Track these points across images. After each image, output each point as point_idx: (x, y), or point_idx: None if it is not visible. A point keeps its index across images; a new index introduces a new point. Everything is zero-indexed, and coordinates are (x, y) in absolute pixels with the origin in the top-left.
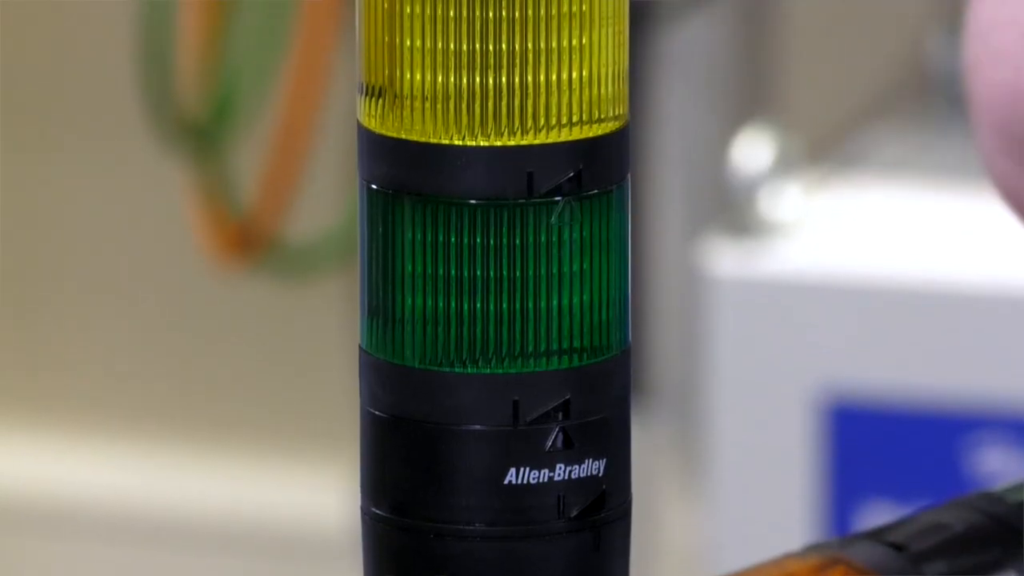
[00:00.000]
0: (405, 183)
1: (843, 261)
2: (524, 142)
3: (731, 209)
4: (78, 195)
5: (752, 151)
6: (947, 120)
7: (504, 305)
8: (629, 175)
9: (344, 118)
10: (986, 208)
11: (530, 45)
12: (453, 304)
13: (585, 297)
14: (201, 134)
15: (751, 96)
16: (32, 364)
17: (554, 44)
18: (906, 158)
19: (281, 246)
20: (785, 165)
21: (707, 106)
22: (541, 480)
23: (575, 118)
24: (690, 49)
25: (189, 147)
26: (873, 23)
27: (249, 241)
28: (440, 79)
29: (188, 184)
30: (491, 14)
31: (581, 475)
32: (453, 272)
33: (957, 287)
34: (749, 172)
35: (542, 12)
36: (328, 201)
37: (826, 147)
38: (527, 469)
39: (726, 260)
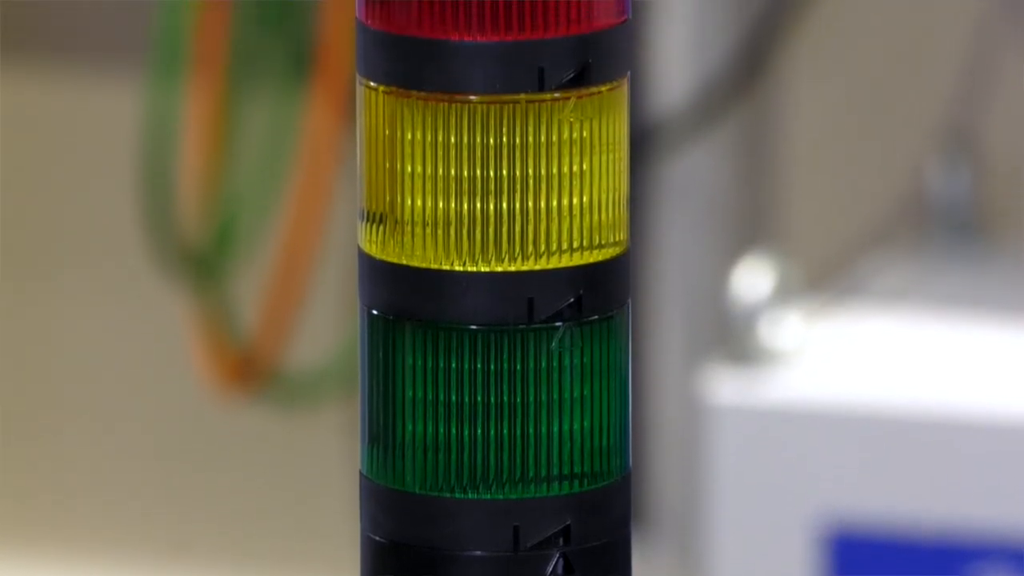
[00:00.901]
0: (406, 308)
1: (844, 390)
2: (525, 268)
3: (731, 337)
4: (77, 321)
5: (752, 279)
6: (947, 249)
7: (504, 431)
8: (629, 301)
9: (345, 244)
10: (987, 337)
11: (531, 171)
12: (453, 430)
13: (586, 423)
14: (202, 262)
15: (751, 224)
16: (28, 491)
17: (555, 170)
18: (906, 287)
19: (282, 374)
20: (785, 293)
21: (707, 234)
22: None
23: (576, 244)
24: (690, 177)
25: (189, 275)
26: (873, 152)
27: (249, 369)
28: (441, 205)
29: (188, 312)
30: (491, 140)
31: None
32: (454, 398)
33: (958, 416)
34: (749, 300)
35: (542, 139)
36: (329, 329)
37: (826, 275)
38: None
39: (726, 388)
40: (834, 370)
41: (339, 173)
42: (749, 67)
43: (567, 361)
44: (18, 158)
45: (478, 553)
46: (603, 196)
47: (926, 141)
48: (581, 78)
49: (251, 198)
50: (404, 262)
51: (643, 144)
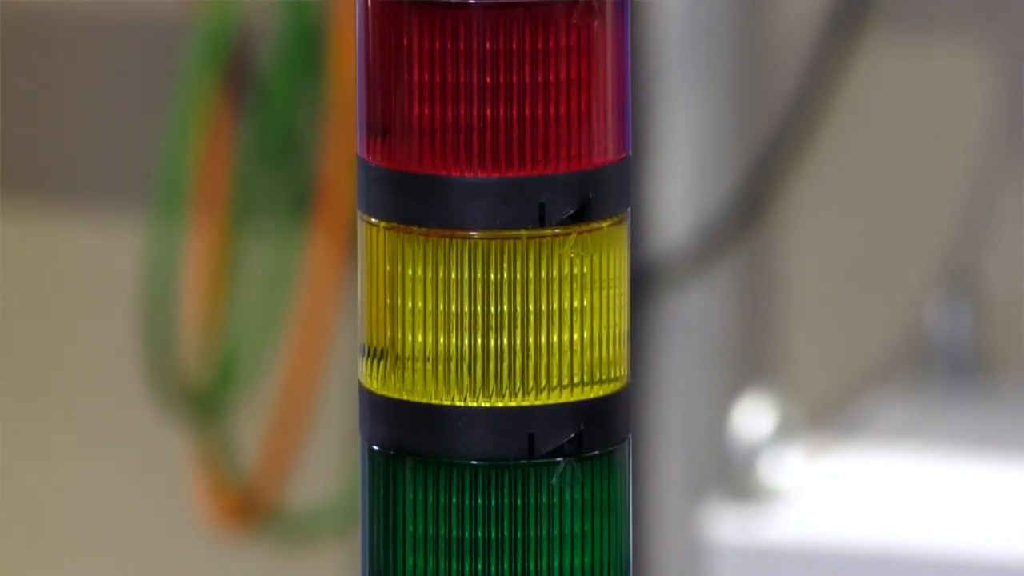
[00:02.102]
0: (406, 444)
1: (844, 528)
2: (525, 403)
3: (732, 474)
4: (77, 459)
5: (752, 416)
6: (948, 387)
7: (505, 566)
8: (630, 437)
9: (346, 380)
10: (988, 476)
11: (531, 307)
12: (454, 565)
13: (586, 559)
14: (202, 399)
15: (751, 361)
16: None
17: (555, 306)
18: (907, 425)
19: (282, 512)
20: (786, 431)
21: (707, 370)
22: None
23: (576, 379)
24: (691, 313)
25: (190, 412)
26: (873, 290)
27: (250, 507)
28: (441, 340)
29: (188, 450)
30: (492, 276)
31: None
32: (454, 533)
33: (958, 555)
34: (750, 437)
35: (543, 274)
36: (330, 466)
37: (827, 413)
38: None
39: (727, 526)
40: (835, 508)
41: (340, 310)
42: (749, 205)
43: (567, 497)
44: (19, 296)
45: None
46: (603, 332)
47: (926, 279)
48: (582, 214)
49: (252, 335)
50: (405, 397)
51: (644, 280)
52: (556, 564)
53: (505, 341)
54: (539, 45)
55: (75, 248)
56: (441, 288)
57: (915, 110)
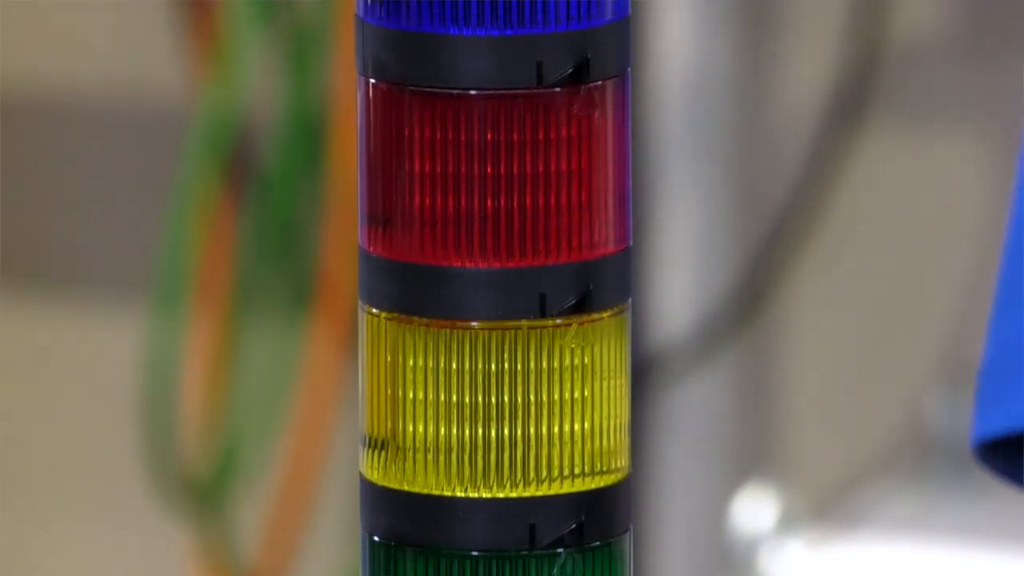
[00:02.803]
0: (407, 534)
1: None
2: (526, 494)
3: (733, 566)
4: (78, 552)
5: (754, 508)
6: (949, 478)
7: None
8: (631, 528)
9: (347, 471)
10: (988, 568)
11: (532, 397)
12: None
13: None
14: (203, 492)
15: (752, 453)
16: None
17: (556, 397)
18: (909, 516)
19: None
20: (787, 522)
21: (708, 462)
22: None
23: (577, 470)
24: (692, 405)
25: (191, 505)
26: (874, 381)
27: None
28: (442, 431)
29: (189, 541)
30: (493, 367)
31: None
32: None
33: None
34: (751, 529)
35: (544, 365)
36: (331, 558)
37: (828, 505)
38: None
39: None
40: None
41: (340, 400)
42: (750, 295)
43: None
44: (19, 387)
45: None
46: (604, 423)
47: (927, 370)
48: (583, 305)
49: (253, 427)
50: (405, 488)
51: (645, 371)
52: None
53: (506, 431)
54: (540, 135)
55: (75, 340)
56: (442, 378)
57: (915, 199)
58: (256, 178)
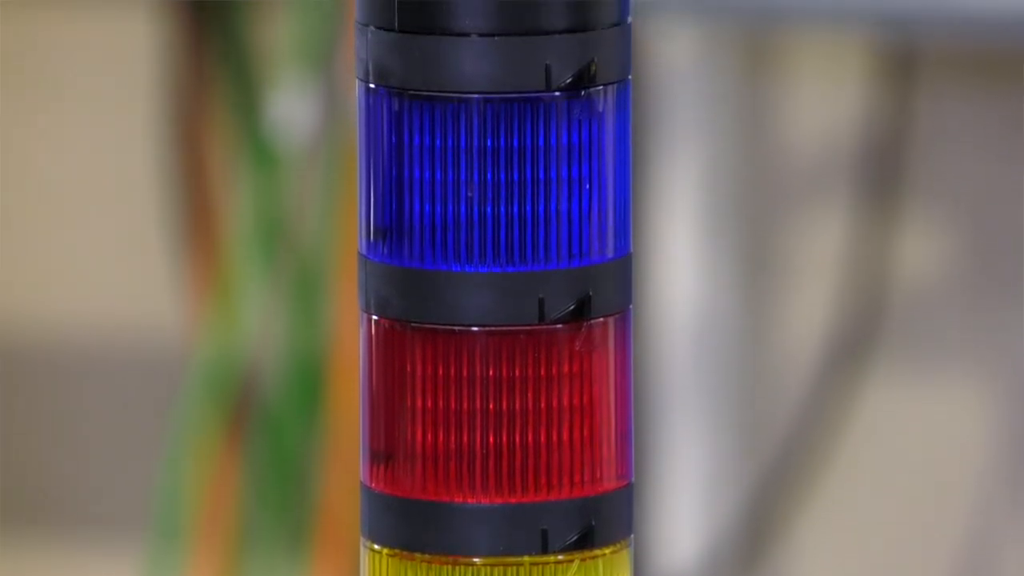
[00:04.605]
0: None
1: None
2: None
3: None
4: None
5: None
6: None
7: None
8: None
9: None
10: None
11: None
12: None
13: None
14: None
15: None
16: None
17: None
18: None
19: None
20: None
21: None
22: None
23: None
24: None
25: None
26: None
27: None
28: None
29: None
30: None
31: None
32: None
33: None
34: None
35: None
36: None
37: None
38: None
39: None
40: None
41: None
42: (753, 537)
43: None
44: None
45: None
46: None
47: None
48: (585, 540)
49: None
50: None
51: None
52: None
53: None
54: (542, 372)
55: None
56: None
57: (918, 443)
58: (258, 419)
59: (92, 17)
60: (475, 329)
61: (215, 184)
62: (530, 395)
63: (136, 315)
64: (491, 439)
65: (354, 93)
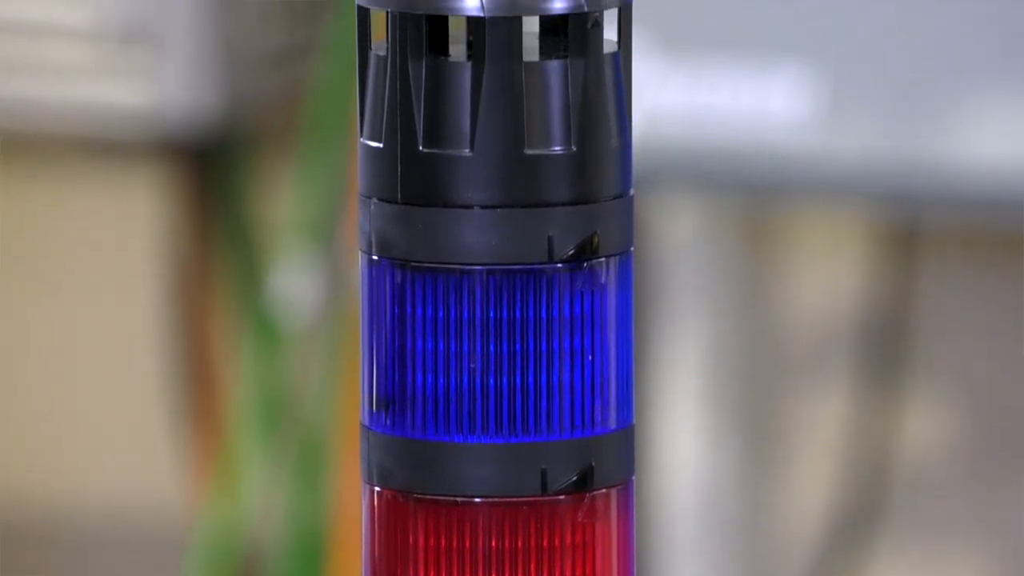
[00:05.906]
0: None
1: None
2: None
3: None
4: None
5: None
6: None
7: None
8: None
9: None
10: None
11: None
12: None
13: None
14: None
15: None
16: None
17: None
18: None
19: None
20: None
21: None
22: None
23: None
24: None
25: None
26: None
27: None
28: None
29: None
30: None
31: None
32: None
33: None
34: None
35: None
36: None
37: None
38: None
39: None
40: None
41: None
42: None
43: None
44: None
45: None
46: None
47: None
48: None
49: None
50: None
51: None
52: None
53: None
54: (544, 543)
55: None
56: None
57: None
58: None
59: (95, 192)
60: (478, 501)
61: (217, 359)
62: (532, 566)
63: (137, 491)
64: None
65: (357, 265)
